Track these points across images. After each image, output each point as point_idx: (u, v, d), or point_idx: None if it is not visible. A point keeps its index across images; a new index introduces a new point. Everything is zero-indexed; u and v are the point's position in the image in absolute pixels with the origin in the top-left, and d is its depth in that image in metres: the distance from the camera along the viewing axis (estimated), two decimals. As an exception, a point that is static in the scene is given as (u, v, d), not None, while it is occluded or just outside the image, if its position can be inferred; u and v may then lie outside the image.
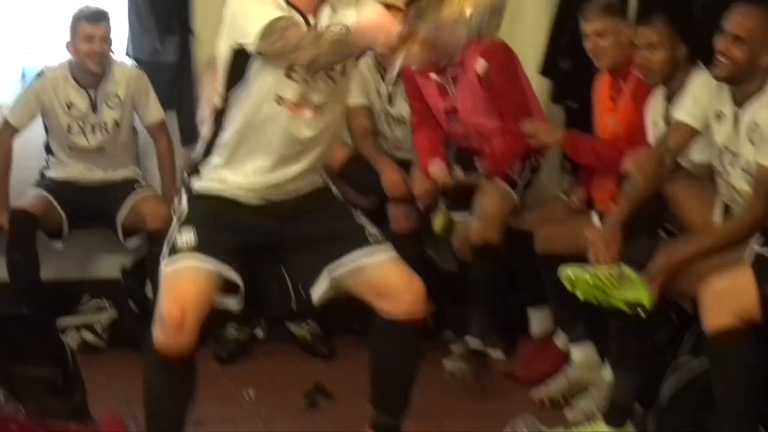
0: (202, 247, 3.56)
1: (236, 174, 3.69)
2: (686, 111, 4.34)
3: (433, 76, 5.38)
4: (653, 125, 4.70)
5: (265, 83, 3.57)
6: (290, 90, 3.57)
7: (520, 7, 6.32)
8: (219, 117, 3.69)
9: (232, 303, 3.70)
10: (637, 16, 5.40)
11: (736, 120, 4.09)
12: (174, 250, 3.58)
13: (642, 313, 4.09)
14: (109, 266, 6.00)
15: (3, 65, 6.09)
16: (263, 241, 3.76)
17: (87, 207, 5.62)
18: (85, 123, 5.57)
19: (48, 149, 5.73)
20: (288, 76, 3.55)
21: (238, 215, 3.70)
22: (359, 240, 3.73)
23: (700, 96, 4.27)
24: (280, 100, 3.58)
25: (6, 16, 6.11)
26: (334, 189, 3.97)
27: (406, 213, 5.61)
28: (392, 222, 5.61)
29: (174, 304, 3.46)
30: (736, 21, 4.05)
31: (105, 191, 5.65)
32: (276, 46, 3.40)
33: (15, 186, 5.64)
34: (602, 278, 4.15)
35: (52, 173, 5.69)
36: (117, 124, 5.61)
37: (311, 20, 3.58)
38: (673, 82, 4.60)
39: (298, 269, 3.83)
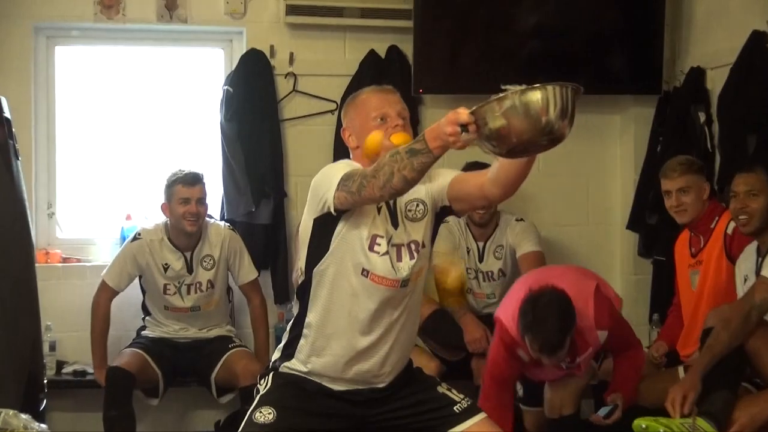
0: (278, 429, 3.58)
1: (324, 357, 3.68)
2: None
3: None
4: (743, 280, 4.72)
5: (348, 255, 3.58)
6: (374, 262, 3.58)
7: (609, 163, 6.48)
8: (305, 295, 3.71)
9: None
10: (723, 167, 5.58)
11: None
12: (249, 426, 3.62)
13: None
14: (204, 421, 6.09)
15: (103, 228, 6.30)
16: (348, 428, 3.77)
17: (182, 364, 5.70)
18: (180, 284, 5.68)
19: (144, 309, 5.84)
20: (371, 248, 3.58)
21: (324, 401, 3.71)
22: (450, 415, 3.73)
23: None
24: (365, 272, 3.59)
25: (106, 182, 6.38)
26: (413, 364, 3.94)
27: None
28: (476, 376, 5.65)
29: None
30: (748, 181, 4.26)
31: (200, 349, 5.73)
32: (350, 190, 3.40)
33: (113, 344, 5.74)
34: (675, 429, 4.17)
35: (148, 332, 5.80)
36: (211, 284, 5.71)
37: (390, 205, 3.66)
38: (766, 236, 4.65)
39: None
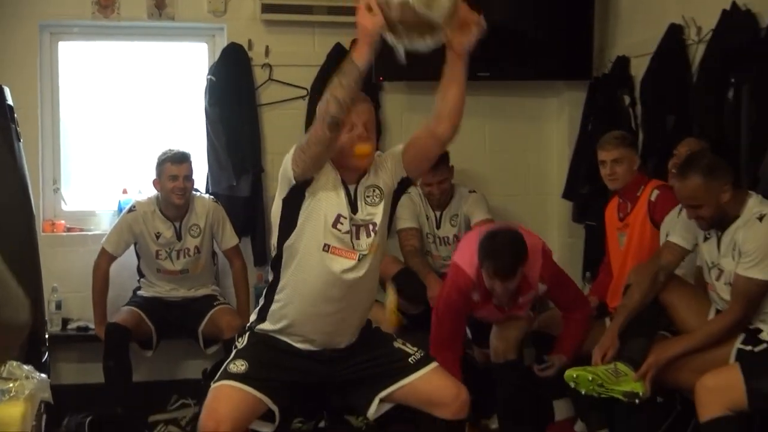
0: (249, 378, 3.70)
1: (293, 320, 3.80)
2: (678, 234, 4.49)
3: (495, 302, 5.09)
4: (665, 238, 4.77)
5: (313, 231, 3.68)
6: (335, 237, 3.69)
7: (547, 141, 6.63)
8: (277, 267, 3.82)
9: (266, 429, 3.81)
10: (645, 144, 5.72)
11: (719, 241, 4.25)
12: (224, 375, 3.74)
13: (637, 401, 4.26)
14: (193, 370, 6.17)
15: (102, 201, 6.38)
16: (314, 381, 3.90)
17: (173, 320, 5.78)
18: (171, 249, 5.76)
19: (139, 272, 5.93)
20: (334, 226, 3.69)
21: (292, 359, 3.82)
22: (404, 366, 3.85)
23: (690, 222, 4.36)
24: (326, 247, 3.69)
25: (105, 160, 6.48)
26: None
27: None
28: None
29: (209, 420, 3.61)
30: (685, 194, 4.22)
31: (188, 306, 5.81)
32: (301, 147, 3.55)
33: (111, 303, 5.82)
34: (601, 375, 4.31)
35: (142, 292, 5.88)
36: (198, 249, 5.79)
37: (351, 190, 3.77)
38: None
39: (352, 400, 3.98)
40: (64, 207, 6.29)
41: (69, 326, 6.00)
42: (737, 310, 4.15)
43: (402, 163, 3.85)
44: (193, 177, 5.77)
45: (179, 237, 5.77)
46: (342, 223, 3.71)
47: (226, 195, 6.14)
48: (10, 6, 6.03)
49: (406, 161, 3.84)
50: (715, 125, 5.04)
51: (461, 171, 6.24)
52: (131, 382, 5.59)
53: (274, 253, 3.84)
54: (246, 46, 6.28)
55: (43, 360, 4.59)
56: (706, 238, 4.34)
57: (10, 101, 4.67)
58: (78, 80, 6.39)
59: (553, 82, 6.71)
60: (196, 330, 5.76)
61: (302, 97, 6.41)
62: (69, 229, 6.19)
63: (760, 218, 4.09)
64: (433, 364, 3.88)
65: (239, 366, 3.75)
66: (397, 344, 3.97)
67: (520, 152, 6.77)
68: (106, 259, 5.80)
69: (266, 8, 6.22)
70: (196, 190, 5.95)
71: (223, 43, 6.29)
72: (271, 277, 3.90)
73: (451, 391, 3.86)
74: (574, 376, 4.36)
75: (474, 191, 6.11)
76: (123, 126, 6.48)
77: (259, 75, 6.35)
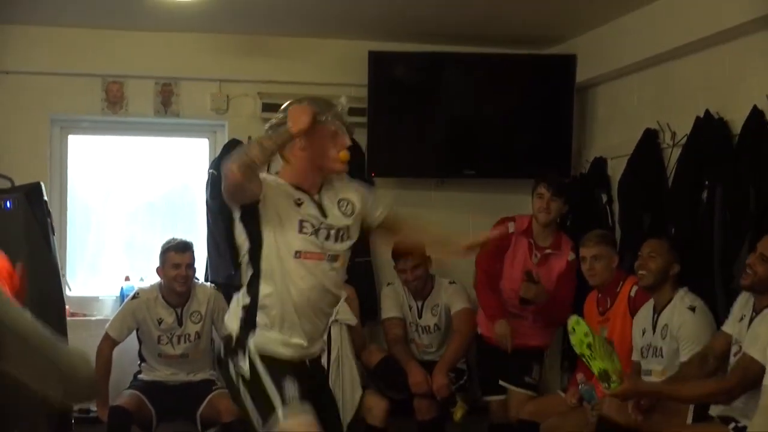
0: (303, 397, 3.58)
1: (286, 327, 3.67)
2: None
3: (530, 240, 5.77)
4: (641, 332, 4.91)
5: (280, 240, 3.63)
6: (303, 242, 3.64)
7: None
8: (255, 284, 3.67)
9: None
10: (623, 240, 5.79)
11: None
12: (284, 401, 3.55)
13: (605, 387, 4.30)
14: (191, 452, 6.11)
15: (106, 288, 6.42)
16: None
17: (172, 404, 5.76)
18: (172, 335, 5.77)
19: (141, 356, 5.92)
20: (300, 231, 3.65)
21: (296, 370, 3.70)
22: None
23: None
24: (297, 254, 3.65)
25: (107, 249, 6.55)
26: None
27: (428, 405, 5.85)
28: (417, 412, 5.86)
29: None
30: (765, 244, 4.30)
31: (187, 390, 5.79)
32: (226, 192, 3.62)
33: (112, 386, 5.78)
34: (596, 342, 4.36)
35: (143, 376, 5.87)
36: (198, 335, 5.80)
37: (315, 198, 3.73)
38: (660, 294, 4.85)
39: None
40: (68, 292, 6.27)
41: (72, 408, 5.86)
42: (732, 383, 4.21)
43: (380, 219, 3.91)
44: (195, 266, 5.81)
45: (180, 323, 5.78)
46: (306, 227, 3.67)
47: (224, 284, 6.10)
48: (24, 99, 6.15)
49: (384, 223, 3.93)
50: (691, 225, 5.14)
51: (445, 263, 6.28)
52: (134, 464, 5.57)
53: (249, 273, 3.70)
54: (246, 142, 6.34)
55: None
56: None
57: (46, 197, 4.75)
58: (86, 171, 6.49)
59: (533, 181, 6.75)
60: (194, 413, 5.74)
61: (298, 193, 6.45)
62: (73, 314, 6.15)
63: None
64: None
65: (292, 387, 3.60)
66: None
67: None
68: (109, 344, 5.79)
69: (266, 107, 6.28)
70: (196, 279, 5.97)
71: (224, 138, 6.39)
72: (247, 301, 3.69)
73: None
74: (576, 321, 4.47)
75: (454, 282, 6.18)
76: (127, 215, 6.58)
77: (260, 171, 6.41)
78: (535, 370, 5.82)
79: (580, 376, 5.13)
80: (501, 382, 5.83)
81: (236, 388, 3.71)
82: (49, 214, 4.78)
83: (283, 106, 3.76)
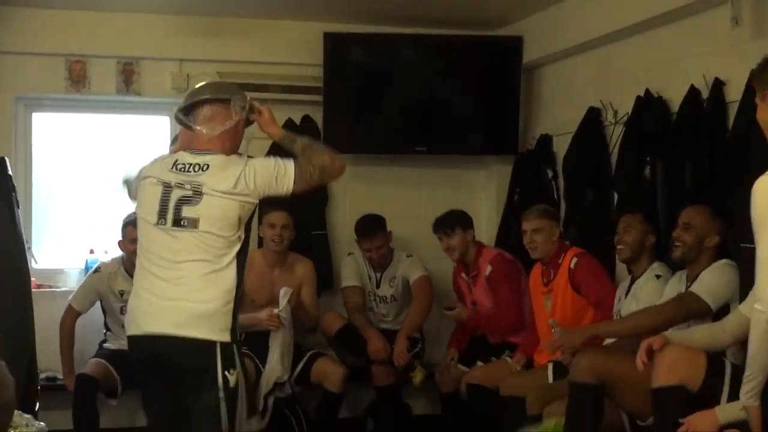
0: None
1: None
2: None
3: (463, 275, 5.96)
4: (617, 299, 5.00)
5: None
6: None
7: (477, 209, 6.86)
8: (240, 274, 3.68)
9: None
10: (567, 214, 5.93)
11: None
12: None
13: None
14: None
15: (71, 260, 6.44)
16: None
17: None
18: None
19: (106, 326, 5.97)
20: None
21: None
22: None
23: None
24: None
25: (74, 221, 6.58)
26: None
27: (386, 371, 5.98)
28: (375, 378, 6.01)
29: None
30: (686, 213, 4.49)
31: None
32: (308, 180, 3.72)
33: (78, 355, 5.85)
34: None
35: (108, 344, 5.92)
36: None
37: None
38: (638, 266, 4.94)
39: None
40: (35, 265, 6.27)
41: (39, 377, 5.92)
42: (669, 306, 4.41)
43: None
44: None
45: None
46: None
47: None
48: (-12, 80, 6.13)
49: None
50: (637, 198, 5.22)
51: (400, 236, 6.44)
52: (98, 429, 5.63)
53: (235, 265, 3.64)
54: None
55: (36, 409, 4.62)
56: None
57: (10, 171, 4.77)
58: (50, 148, 6.50)
59: (482, 157, 6.92)
60: None
61: (256, 167, 6.51)
62: (39, 286, 6.18)
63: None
64: None
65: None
66: None
67: None
68: (72, 315, 5.83)
69: (224, 85, 6.34)
70: None
71: (185, 116, 6.39)
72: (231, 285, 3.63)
73: None
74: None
75: (411, 255, 6.29)
76: (91, 190, 6.59)
77: (217, 146, 6.45)
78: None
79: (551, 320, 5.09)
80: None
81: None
82: (13, 188, 4.79)
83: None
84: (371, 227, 6.13)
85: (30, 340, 4.87)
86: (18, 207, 4.81)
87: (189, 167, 3.67)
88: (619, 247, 4.97)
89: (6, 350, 4.51)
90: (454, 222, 5.89)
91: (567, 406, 4.46)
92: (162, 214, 3.65)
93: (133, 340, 3.72)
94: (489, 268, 5.79)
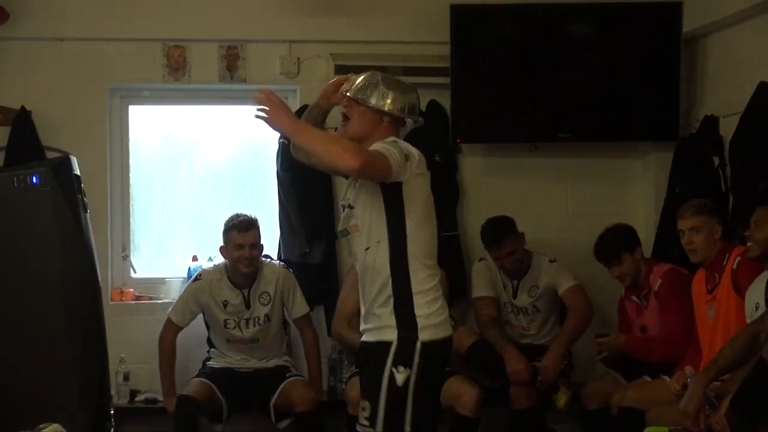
0: None
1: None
2: None
3: (633, 298, 5.60)
4: (753, 307, 4.59)
5: None
6: None
7: (631, 204, 6.48)
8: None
9: None
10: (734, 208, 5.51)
11: None
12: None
13: None
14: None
15: (172, 269, 6.25)
16: None
17: (244, 393, 5.62)
18: (240, 318, 5.62)
19: (209, 342, 5.80)
20: None
21: None
22: None
23: None
24: None
25: (176, 226, 6.38)
26: None
27: (527, 393, 5.59)
28: (513, 401, 5.60)
29: None
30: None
31: (260, 378, 5.65)
32: None
33: (180, 373, 5.68)
34: None
35: (213, 363, 5.75)
36: (268, 318, 5.65)
37: None
38: None
39: None
40: (133, 275, 6.19)
41: (137, 398, 5.86)
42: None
43: None
44: (261, 243, 5.66)
45: (248, 305, 5.65)
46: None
47: (298, 262, 5.99)
48: (81, 68, 6.00)
49: None
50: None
51: (540, 238, 6.08)
52: (203, 457, 5.51)
53: None
54: (321, 109, 6.11)
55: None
56: None
57: (77, 171, 4.67)
58: (147, 144, 6.34)
59: (637, 143, 6.48)
60: (267, 403, 5.59)
61: (377, 159, 6.18)
62: (138, 298, 6.08)
63: None
64: None
65: None
66: None
67: (603, 216, 6.24)
68: (171, 330, 5.71)
69: (339, 69, 6.03)
70: (267, 257, 5.86)
71: (296, 105, 6.13)
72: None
73: None
74: None
75: (555, 260, 5.93)
76: (194, 191, 6.42)
77: (333, 137, 6.17)
78: None
79: (688, 369, 4.75)
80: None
81: None
82: (80, 189, 4.60)
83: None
84: (497, 233, 5.81)
85: (102, 359, 4.72)
86: (86, 211, 4.58)
87: None
88: (748, 244, 4.66)
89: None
90: (618, 247, 5.55)
91: None
92: None
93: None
94: (659, 282, 5.43)
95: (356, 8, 6.20)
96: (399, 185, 3.76)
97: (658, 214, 6.24)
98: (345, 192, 3.95)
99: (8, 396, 4.47)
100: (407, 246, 3.79)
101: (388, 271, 3.79)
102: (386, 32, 6.19)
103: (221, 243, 5.63)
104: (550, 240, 6.20)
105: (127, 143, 6.23)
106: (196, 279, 5.73)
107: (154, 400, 5.77)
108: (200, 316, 5.74)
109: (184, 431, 5.38)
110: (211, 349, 5.78)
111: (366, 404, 3.77)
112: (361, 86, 3.87)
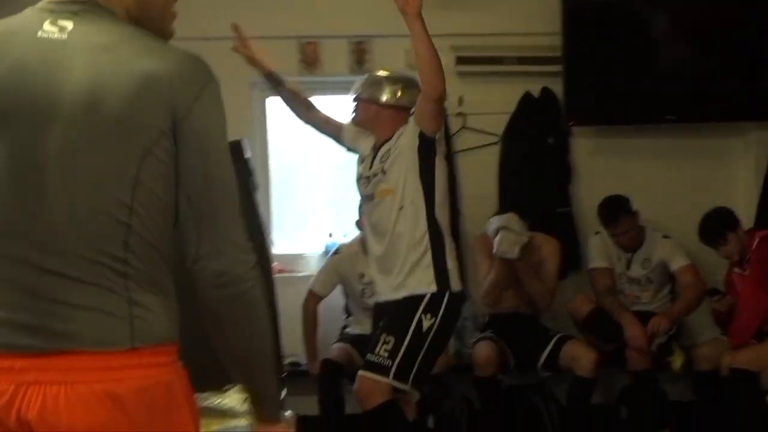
0: None
1: None
2: None
3: (736, 270, 5.48)
4: None
5: None
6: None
7: (732, 188, 6.32)
8: None
9: None
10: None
11: None
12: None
13: None
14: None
15: (311, 245, 6.29)
16: None
17: None
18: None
19: (347, 310, 5.79)
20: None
21: None
22: None
23: None
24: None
25: (311, 207, 6.42)
26: None
27: (643, 356, 5.50)
28: (630, 362, 5.53)
29: None
30: None
31: None
32: None
33: (321, 341, 5.71)
34: None
35: (350, 329, 5.73)
36: None
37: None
38: None
39: None
40: (274, 250, 6.14)
41: (282, 362, 5.80)
42: None
43: (416, 124, 4.13)
44: None
45: None
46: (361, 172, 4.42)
47: None
48: (224, 65, 5.92)
49: (417, 121, 4.12)
50: None
51: (649, 216, 5.95)
52: (345, 415, 5.44)
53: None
54: (441, 98, 6.09)
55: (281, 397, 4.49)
56: None
57: (248, 154, 4.64)
58: (286, 132, 6.34)
59: (739, 123, 6.26)
60: None
61: (494, 143, 6.22)
62: (280, 271, 6.03)
63: None
64: None
65: None
66: None
67: (707, 194, 6.14)
68: (314, 299, 5.69)
69: (460, 60, 6.04)
70: None
71: (419, 92, 6.10)
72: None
73: None
74: None
75: (668, 236, 5.81)
76: (328, 173, 6.44)
77: (454, 123, 6.18)
78: None
79: None
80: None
81: None
82: (251, 172, 4.66)
83: None
84: (613, 212, 5.72)
85: (275, 327, 4.69)
86: (257, 190, 4.64)
87: None
88: None
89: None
90: (722, 229, 5.43)
91: None
92: None
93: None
94: (756, 242, 5.27)
95: (474, 4, 6.11)
96: (433, 159, 4.11)
97: (759, 191, 6.04)
98: (368, 165, 4.27)
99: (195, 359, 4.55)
100: (436, 208, 4.08)
101: (424, 227, 4.04)
102: (501, 25, 6.08)
103: (356, 218, 5.54)
104: (655, 218, 6.05)
105: (266, 131, 6.29)
106: (335, 252, 5.71)
107: (297, 363, 5.77)
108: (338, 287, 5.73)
109: (329, 392, 5.39)
110: (349, 317, 5.77)
111: (390, 339, 4.02)
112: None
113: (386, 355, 4.03)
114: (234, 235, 1.89)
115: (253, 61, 4.58)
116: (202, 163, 1.85)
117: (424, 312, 4.03)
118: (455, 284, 4.11)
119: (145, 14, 1.98)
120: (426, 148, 4.12)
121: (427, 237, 4.07)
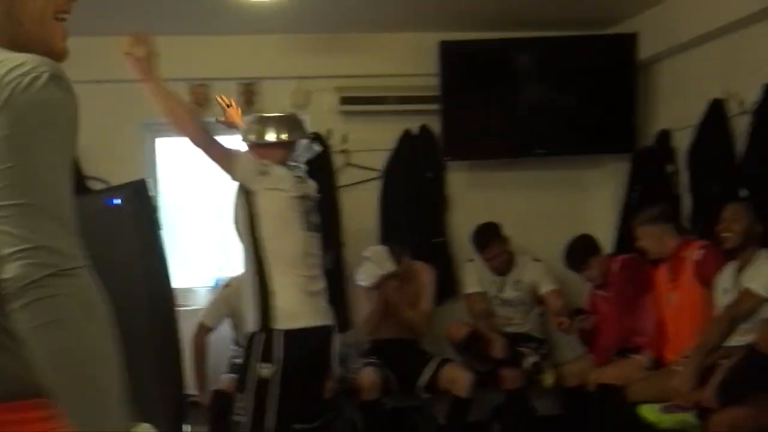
0: None
1: None
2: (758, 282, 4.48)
3: (598, 292, 5.70)
4: (723, 292, 4.74)
5: None
6: None
7: (591, 213, 6.64)
8: None
9: None
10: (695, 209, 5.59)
11: None
12: None
13: None
14: None
15: (200, 279, 6.34)
16: None
17: None
18: None
19: (236, 342, 5.79)
20: None
21: None
22: None
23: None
24: None
25: (202, 242, 6.47)
26: None
27: (515, 375, 5.75)
28: (503, 382, 5.76)
29: None
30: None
31: None
32: None
33: (212, 372, 5.72)
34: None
35: (239, 361, 5.70)
36: None
37: None
38: (744, 255, 4.67)
39: None
40: None
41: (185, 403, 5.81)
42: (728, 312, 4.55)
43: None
44: None
45: None
46: None
47: None
48: (115, 106, 6.02)
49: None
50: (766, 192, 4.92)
51: (516, 242, 6.17)
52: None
53: None
54: (326, 135, 6.26)
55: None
56: None
57: (152, 192, 4.72)
58: (174, 171, 6.40)
59: (598, 156, 6.59)
60: None
61: (376, 178, 6.40)
62: None
63: None
64: None
65: None
66: None
67: (571, 220, 6.50)
68: (204, 331, 5.70)
69: (344, 100, 6.22)
70: None
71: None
72: None
73: None
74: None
75: (537, 260, 6.05)
76: (216, 209, 6.39)
77: (338, 160, 6.34)
78: None
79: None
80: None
81: None
82: (155, 208, 4.70)
83: None
84: (485, 237, 5.97)
85: (179, 360, 4.84)
86: (161, 229, 4.69)
87: None
88: (724, 235, 4.74)
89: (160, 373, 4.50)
90: (585, 255, 5.70)
91: None
92: None
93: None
94: (618, 265, 5.57)
95: (357, 47, 6.29)
96: (253, 195, 4.05)
97: (616, 217, 6.27)
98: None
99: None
100: (264, 242, 4.04)
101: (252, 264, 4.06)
102: (384, 67, 6.27)
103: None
104: (523, 244, 6.27)
105: (155, 170, 6.34)
106: (226, 286, 5.75)
107: (188, 395, 5.59)
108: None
109: (219, 422, 5.39)
110: (237, 349, 5.66)
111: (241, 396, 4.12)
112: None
113: (242, 413, 4.04)
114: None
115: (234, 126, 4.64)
116: None
117: (262, 361, 4.00)
118: (286, 322, 4.04)
119: (19, 28, 1.71)
120: (241, 187, 4.16)
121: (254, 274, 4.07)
